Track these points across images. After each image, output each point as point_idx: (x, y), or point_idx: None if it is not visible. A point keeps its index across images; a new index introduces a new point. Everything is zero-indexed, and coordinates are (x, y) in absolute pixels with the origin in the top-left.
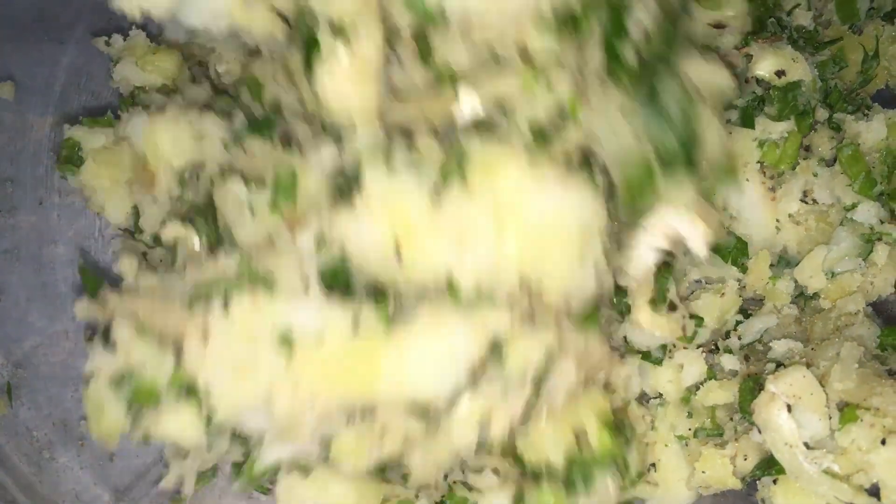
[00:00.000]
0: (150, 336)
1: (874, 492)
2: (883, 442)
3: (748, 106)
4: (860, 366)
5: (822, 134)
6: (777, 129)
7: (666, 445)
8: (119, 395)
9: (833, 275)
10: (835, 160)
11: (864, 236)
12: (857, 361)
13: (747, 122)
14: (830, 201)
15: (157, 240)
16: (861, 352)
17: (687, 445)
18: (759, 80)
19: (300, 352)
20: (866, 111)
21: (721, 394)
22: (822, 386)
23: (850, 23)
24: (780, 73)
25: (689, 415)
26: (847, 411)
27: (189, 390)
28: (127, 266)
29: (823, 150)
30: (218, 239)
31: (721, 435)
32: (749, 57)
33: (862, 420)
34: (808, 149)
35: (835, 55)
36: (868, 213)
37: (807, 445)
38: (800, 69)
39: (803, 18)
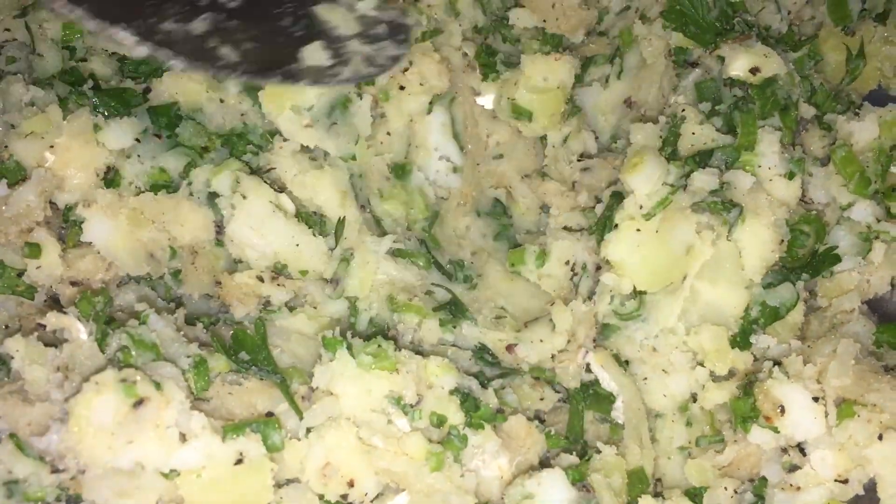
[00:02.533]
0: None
1: (871, 487)
2: (880, 437)
3: (730, 111)
4: (856, 362)
5: (814, 133)
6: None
7: (669, 458)
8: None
9: (832, 273)
10: (828, 159)
11: (862, 235)
12: (854, 358)
13: (734, 126)
14: (826, 201)
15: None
16: (857, 348)
17: (690, 456)
18: (736, 83)
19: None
20: (857, 110)
21: (719, 394)
22: (819, 383)
23: (843, 24)
24: (754, 71)
25: (689, 423)
26: (844, 407)
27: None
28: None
29: (816, 149)
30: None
31: (722, 440)
32: (721, 59)
33: (859, 416)
34: (802, 150)
35: (810, 51)
36: (864, 212)
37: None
38: (773, 64)
39: (772, 20)
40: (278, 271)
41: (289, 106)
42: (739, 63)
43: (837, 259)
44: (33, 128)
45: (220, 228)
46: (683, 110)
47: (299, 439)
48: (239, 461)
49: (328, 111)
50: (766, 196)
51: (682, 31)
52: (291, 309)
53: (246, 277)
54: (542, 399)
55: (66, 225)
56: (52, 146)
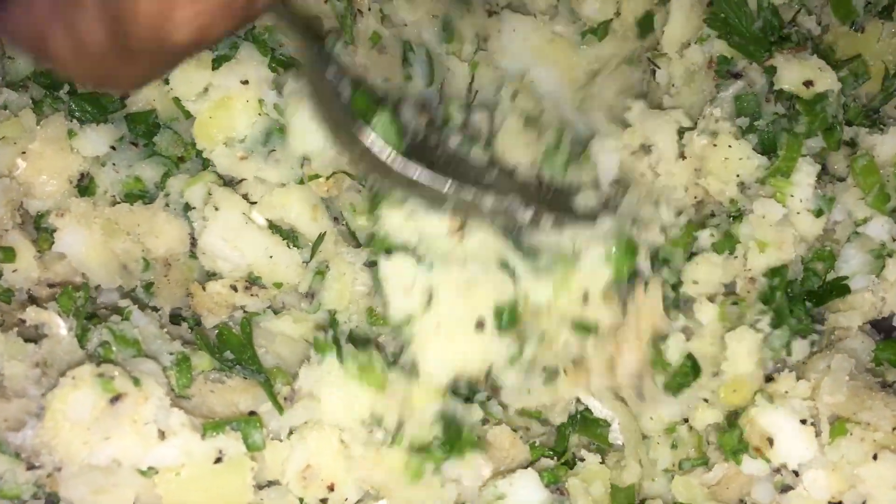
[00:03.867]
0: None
1: None
2: (875, 457)
3: (768, 129)
4: (851, 378)
5: (840, 151)
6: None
7: (653, 480)
8: None
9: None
10: (847, 176)
11: (875, 252)
12: (849, 374)
13: (769, 145)
14: (840, 217)
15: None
16: (852, 364)
17: (673, 479)
18: (779, 99)
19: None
20: (882, 126)
21: (711, 414)
22: (813, 400)
23: (849, 21)
24: (808, 84)
25: (674, 446)
26: (837, 425)
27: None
28: None
29: (839, 166)
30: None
31: (706, 464)
32: (773, 70)
33: (852, 434)
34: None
35: (855, 70)
36: (881, 228)
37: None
38: (828, 79)
39: (808, 23)
40: (252, 281)
41: (221, 140)
42: (792, 75)
43: (846, 290)
44: (5, 132)
45: (194, 241)
46: (717, 121)
47: (281, 440)
48: (218, 460)
49: (263, 139)
50: (793, 232)
51: (727, 41)
52: (276, 312)
53: (219, 286)
54: (528, 429)
55: (38, 231)
56: (24, 152)
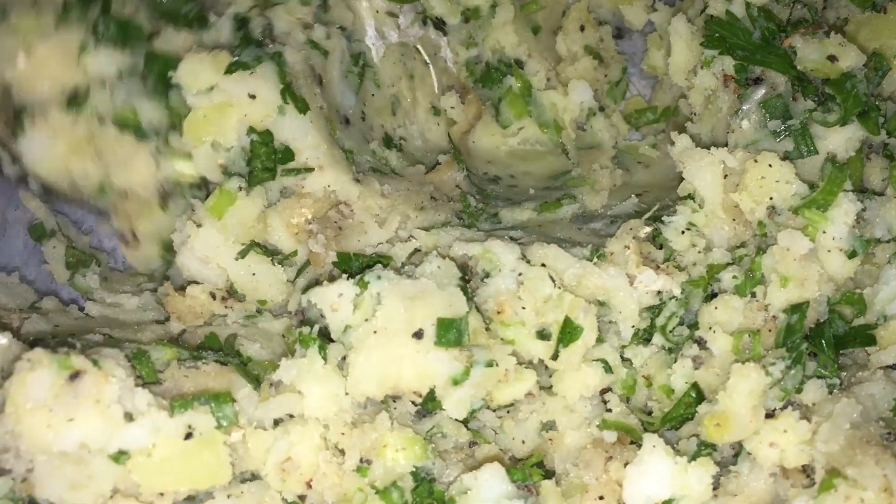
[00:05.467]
0: None
1: None
2: None
3: (803, 126)
4: (856, 427)
5: (876, 164)
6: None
7: None
8: None
9: (885, 318)
10: (886, 189)
11: None
12: (852, 422)
13: (806, 142)
14: (879, 234)
15: None
16: (858, 411)
17: None
18: (807, 92)
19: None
20: None
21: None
22: (810, 444)
23: (868, 5)
24: (832, 59)
25: None
26: (827, 479)
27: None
28: None
29: (875, 180)
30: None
31: None
32: (793, 52)
33: (837, 490)
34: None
35: (874, 62)
36: None
37: None
38: (851, 54)
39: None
40: (231, 293)
41: (208, 141)
42: (813, 53)
43: (872, 341)
44: (20, 23)
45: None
46: (752, 134)
47: (265, 429)
48: (189, 436)
49: (247, 158)
50: (818, 269)
51: (731, 55)
52: (276, 316)
53: (198, 292)
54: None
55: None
56: (29, 49)
